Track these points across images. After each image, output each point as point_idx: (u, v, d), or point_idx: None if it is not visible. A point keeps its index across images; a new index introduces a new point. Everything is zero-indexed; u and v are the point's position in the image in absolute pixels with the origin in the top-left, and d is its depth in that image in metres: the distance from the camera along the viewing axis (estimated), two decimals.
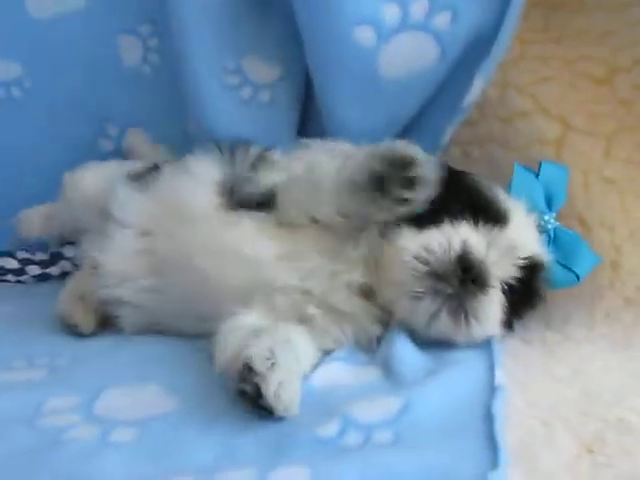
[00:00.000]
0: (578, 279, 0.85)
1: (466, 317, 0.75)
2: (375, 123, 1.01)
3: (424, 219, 0.77)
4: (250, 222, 0.83)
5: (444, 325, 0.76)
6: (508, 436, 0.61)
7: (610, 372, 0.74)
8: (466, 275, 0.74)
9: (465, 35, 0.95)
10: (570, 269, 0.84)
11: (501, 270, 0.77)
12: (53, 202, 1.18)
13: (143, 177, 0.98)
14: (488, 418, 0.63)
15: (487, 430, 0.62)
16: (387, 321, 0.81)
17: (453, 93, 0.99)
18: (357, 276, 0.80)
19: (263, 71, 1.08)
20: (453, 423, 0.64)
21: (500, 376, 0.71)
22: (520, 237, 0.80)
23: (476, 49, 0.96)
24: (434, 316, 0.75)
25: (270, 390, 0.66)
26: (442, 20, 0.93)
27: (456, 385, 0.70)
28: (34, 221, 1.20)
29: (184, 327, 0.88)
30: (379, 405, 0.67)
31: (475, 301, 0.75)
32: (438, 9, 0.92)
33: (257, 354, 0.69)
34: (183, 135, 1.17)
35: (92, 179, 1.09)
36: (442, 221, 0.77)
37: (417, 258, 0.75)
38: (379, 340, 0.81)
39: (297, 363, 0.72)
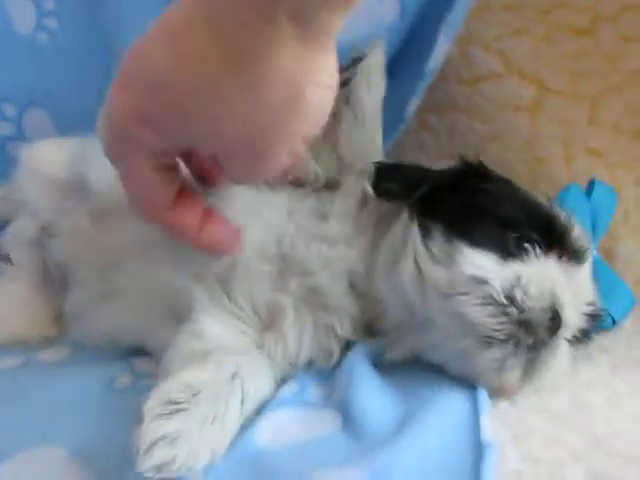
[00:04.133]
0: (614, 322, 0.72)
1: (536, 371, 0.61)
2: None
3: (489, 238, 0.62)
4: None
5: (510, 378, 0.60)
6: None
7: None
8: (553, 325, 0.60)
9: None
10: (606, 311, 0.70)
11: (575, 319, 0.63)
12: None
13: None
14: None
15: None
16: (361, 334, 0.68)
17: (415, 55, 0.83)
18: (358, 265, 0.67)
19: None
20: None
21: (488, 426, 0.55)
22: (587, 278, 0.66)
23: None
24: (502, 367, 0.60)
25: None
26: None
27: (434, 441, 0.54)
28: None
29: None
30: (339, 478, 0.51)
31: (550, 352, 0.61)
32: None
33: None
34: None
35: (57, 154, 0.90)
36: (516, 248, 0.63)
37: (509, 298, 0.59)
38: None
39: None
